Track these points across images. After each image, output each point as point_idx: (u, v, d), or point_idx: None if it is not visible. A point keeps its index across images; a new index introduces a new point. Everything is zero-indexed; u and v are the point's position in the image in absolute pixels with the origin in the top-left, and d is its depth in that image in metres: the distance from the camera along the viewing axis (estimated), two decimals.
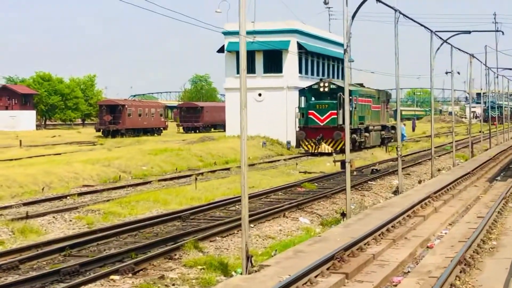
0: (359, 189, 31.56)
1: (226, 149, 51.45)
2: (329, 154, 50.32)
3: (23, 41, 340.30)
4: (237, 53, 62.01)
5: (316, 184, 32.95)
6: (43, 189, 30.96)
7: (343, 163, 23.61)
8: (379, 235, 19.32)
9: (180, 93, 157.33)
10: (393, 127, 63.86)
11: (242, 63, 16.07)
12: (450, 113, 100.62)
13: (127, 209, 25.33)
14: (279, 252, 17.77)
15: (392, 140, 62.95)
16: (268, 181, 34.84)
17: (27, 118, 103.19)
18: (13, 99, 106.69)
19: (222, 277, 16.16)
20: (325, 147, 52.05)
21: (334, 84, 53.17)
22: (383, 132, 62.16)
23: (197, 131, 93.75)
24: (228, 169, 41.42)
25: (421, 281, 14.97)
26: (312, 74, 63.95)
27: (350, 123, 46.95)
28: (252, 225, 21.36)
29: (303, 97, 53.85)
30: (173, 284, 15.30)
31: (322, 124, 52.15)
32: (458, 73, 56.72)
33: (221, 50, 60.72)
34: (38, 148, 58.96)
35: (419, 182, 35.55)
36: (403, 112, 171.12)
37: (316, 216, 24.27)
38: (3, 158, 44.96)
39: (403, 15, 29.32)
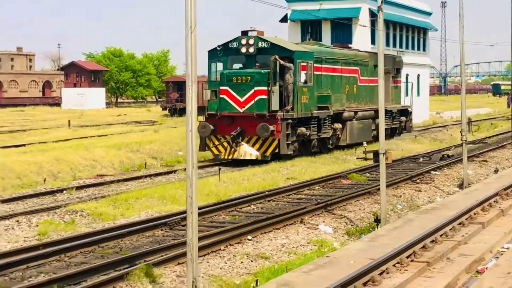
0: (417, 181, 26.16)
1: None
2: (255, 162, 30.72)
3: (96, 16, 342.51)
4: (302, 22, 57.49)
5: (368, 175, 27.65)
6: (44, 180, 26.65)
7: (376, 155, 18.34)
8: (408, 256, 14.12)
9: None
10: (404, 112, 44.14)
11: (190, 18, 11.11)
12: None
13: (120, 208, 20.71)
14: (262, 282, 12.85)
15: (405, 131, 44.56)
16: (315, 169, 29.76)
17: (96, 95, 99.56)
18: (82, 76, 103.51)
19: None
20: (244, 151, 31.09)
21: (264, 40, 31.88)
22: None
23: None
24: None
25: None
26: (388, 45, 57.98)
27: (292, 109, 31.40)
28: (250, 237, 16.41)
29: (215, 64, 32.89)
30: None
31: (241, 109, 31.21)
32: None
33: (284, 19, 55.47)
34: (88, 128, 55.19)
35: (495, 171, 29.87)
36: (502, 87, 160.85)
37: (346, 221, 19.10)
38: (40, 140, 41.10)
39: None
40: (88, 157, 31.01)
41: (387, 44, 57.66)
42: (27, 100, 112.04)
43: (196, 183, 11.08)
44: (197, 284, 10.99)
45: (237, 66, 32.60)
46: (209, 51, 32.89)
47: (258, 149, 30.97)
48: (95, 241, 15.71)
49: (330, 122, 34.46)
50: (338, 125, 35.45)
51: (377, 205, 21.17)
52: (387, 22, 57.09)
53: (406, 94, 45.30)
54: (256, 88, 31.08)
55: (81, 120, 71.20)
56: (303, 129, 32.11)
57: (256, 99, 31.03)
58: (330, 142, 35.15)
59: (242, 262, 14.54)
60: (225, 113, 31.39)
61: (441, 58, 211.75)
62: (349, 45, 41.89)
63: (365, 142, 36.47)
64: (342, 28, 53.57)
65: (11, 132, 53.93)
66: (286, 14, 54.61)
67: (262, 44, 31.80)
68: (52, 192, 23.96)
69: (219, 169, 26.25)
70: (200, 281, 13.18)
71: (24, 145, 38.66)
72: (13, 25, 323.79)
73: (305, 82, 32.60)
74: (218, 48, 32.45)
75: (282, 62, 31.14)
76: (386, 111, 39.02)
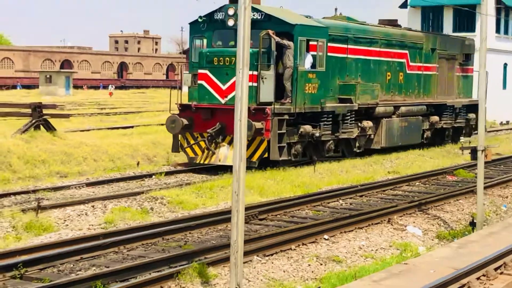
0: None
1: None
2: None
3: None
4: (423, 8, 55.13)
5: None
6: (138, 163, 26.02)
7: (473, 152, 16.65)
8: (497, 268, 12.52)
9: None
10: (473, 108, 33.18)
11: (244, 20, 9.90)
12: None
13: (203, 197, 19.78)
14: None
15: (475, 132, 34.14)
16: (422, 163, 28.11)
17: None
18: None
19: None
20: (224, 155, 23.99)
21: (257, 10, 24.50)
22: (436, 118, 32.87)
23: None
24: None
25: None
26: (506, 33, 55.10)
27: (291, 101, 24.49)
28: (326, 237, 15.09)
29: (200, 40, 26.05)
30: None
31: (223, 100, 24.29)
32: None
33: (404, 5, 53.41)
34: None
35: None
36: None
37: (439, 223, 17.48)
38: (149, 122, 40.81)
39: None
40: None
41: (505, 32, 54.88)
42: (150, 83, 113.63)
43: (244, 178, 9.94)
44: None
45: (227, 43, 25.27)
46: (191, 24, 26.16)
47: None
48: (159, 233, 14.75)
49: (354, 119, 27.32)
50: (367, 123, 28.30)
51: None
52: (507, 9, 54.29)
53: None
54: None
55: None
56: (308, 128, 24.87)
57: None
58: (357, 144, 28.18)
59: (309, 265, 13.23)
60: (203, 104, 24.47)
61: None
62: (399, 24, 33.49)
63: (462, 137, 32.77)
64: (466, 15, 51.09)
65: (126, 113, 54.28)
66: (406, 0, 52.62)
67: (254, 15, 23.93)
68: (140, 177, 23.28)
69: (315, 159, 24.90)
70: (258, 284, 12.00)
71: (132, 127, 38.47)
72: (141, 8, 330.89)
73: (313, 66, 25.49)
74: (200, 20, 25.55)
75: (278, 39, 24.03)
76: (446, 107, 33.66)
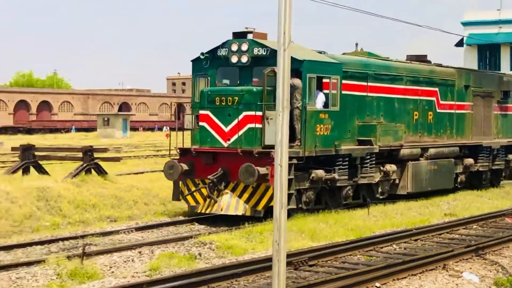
0: None
1: None
2: (244, 218, 22.38)
3: None
4: (479, 46, 54.37)
5: None
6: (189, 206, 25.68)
7: None
8: None
9: None
10: (511, 148, 33.93)
11: (284, 32, 9.56)
12: None
13: (253, 242, 19.42)
14: None
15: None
16: (480, 205, 27.39)
17: None
18: None
19: None
20: (227, 203, 22.38)
21: (262, 46, 23.05)
22: (471, 161, 30.96)
23: None
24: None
25: None
26: None
27: (301, 143, 22.50)
28: (378, 285, 14.50)
29: (205, 79, 24.29)
30: None
31: (226, 143, 22.75)
32: None
33: (459, 43, 52.76)
34: None
35: None
36: None
37: (497, 268, 16.74)
38: None
39: None
40: None
41: None
42: None
43: (285, 226, 9.46)
44: None
45: (234, 82, 23.80)
46: (193, 61, 24.41)
47: (247, 201, 22.16)
48: (204, 281, 14.31)
49: (375, 162, 25.44)
50: (390, 167, 26.26)
51: None
52: None
53: None
54: (245, 113, 22.30)
55: None
56: (320, 173, 22.99)
57: (245, 128, 22.34)
58: (380, 189, 26.25)
59: None
60: (204, 147, 22.94)
61: None
62: (428, 59, 30.90)
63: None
64: None
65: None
66: (462, 38, 51.94)
67: (258, 51, 22.94)
68: (191, 221, 22.99)
69: (369, 202, 24.33)
70: None
71: None
72: (198, 51, 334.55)
73: (326, 105, 23.61)
74: (202, 57, 23.93)
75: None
76: (482, 148, 31.54)
